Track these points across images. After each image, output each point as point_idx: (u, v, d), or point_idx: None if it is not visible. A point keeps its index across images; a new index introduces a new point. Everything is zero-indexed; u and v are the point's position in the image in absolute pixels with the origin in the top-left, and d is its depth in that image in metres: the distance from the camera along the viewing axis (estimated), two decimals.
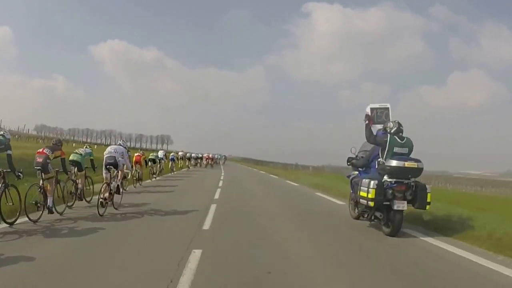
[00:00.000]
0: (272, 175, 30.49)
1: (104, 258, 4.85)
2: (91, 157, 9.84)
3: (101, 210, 7.83)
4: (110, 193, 8.26)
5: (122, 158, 8.87)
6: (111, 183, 8.46)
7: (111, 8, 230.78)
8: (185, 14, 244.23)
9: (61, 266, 4.40)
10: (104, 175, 8.52)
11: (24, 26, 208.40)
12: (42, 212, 7.13)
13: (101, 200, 7.87)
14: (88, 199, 9.53)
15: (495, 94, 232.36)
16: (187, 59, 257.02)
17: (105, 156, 8.67)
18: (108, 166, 8.54)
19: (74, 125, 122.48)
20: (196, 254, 4.98)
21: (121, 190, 9.18)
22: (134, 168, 15.13)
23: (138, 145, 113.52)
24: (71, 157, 9.12)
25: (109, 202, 8.21)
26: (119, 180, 8.86)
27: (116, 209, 8.60)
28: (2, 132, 6.69)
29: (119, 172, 8.85)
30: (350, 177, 8.29)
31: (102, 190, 8.14)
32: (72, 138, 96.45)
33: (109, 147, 9.26)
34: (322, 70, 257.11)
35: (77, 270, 4.29)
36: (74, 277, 4.06)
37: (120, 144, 9.75)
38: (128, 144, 17.06)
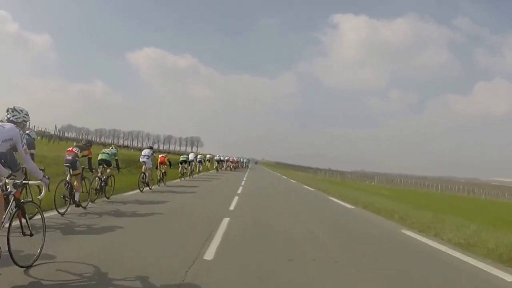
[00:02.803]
0: (333, 199, 15.72)
1: None
2: (116, 157, 10.87)
3: None
4: None
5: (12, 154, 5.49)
6: None
7: (146, 16, 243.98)
8: (218, 22, 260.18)
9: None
10: None
11: (63, 33, 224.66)
12: (69, 206, 7.82)
13: None
14: (107, 195, 10.43)
15: None
16: (220, 65, 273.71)
17: None
18: None
19: (102, 125, 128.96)
20: None
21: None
22: (158, 168, 16.63)
23: (166, 147, 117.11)
24: (100, 156, 10.26)
25: None
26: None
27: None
28: (28, 132, 7.17)
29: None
30: None
31: None
32: (98, 139, 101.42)
33: None
34: (352, 77, 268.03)
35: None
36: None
37: (11, 120, 4.48)
38: (156, 146, 18.14)
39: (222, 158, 41.80)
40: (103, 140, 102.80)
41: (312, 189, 21.57)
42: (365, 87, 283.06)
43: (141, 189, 13.06)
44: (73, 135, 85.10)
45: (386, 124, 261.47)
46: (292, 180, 31.67)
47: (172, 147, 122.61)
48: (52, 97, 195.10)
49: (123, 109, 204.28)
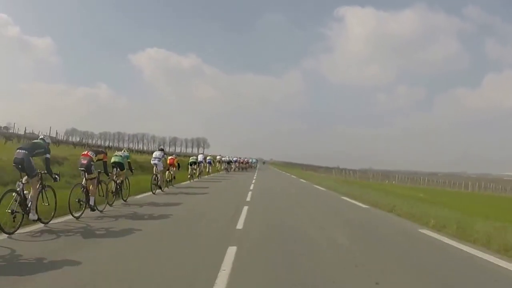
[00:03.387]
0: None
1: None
2: (128, 160, 11.09)
3: None
4: None
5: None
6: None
7: (147, 16, 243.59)
8: (221, 20, 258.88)
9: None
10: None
11: (65, 36, 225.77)
12: (84, 209, 7.85)
13: None
14: (125, 198, 10.57)
15: None
16: (225, 65, 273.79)
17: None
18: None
19: (107, 129, 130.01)
20: None
21: None
22: (168, 170, 16.61)
23: (172, 149, 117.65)
24: (113, 159, 10.33)
25: None
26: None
27: None
28: (42, 136, 7.23)
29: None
30: None
31: None
32: (103, 142, 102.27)
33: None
34: (358, 73, 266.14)
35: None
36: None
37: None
38: (162, 147, 18.23)
39: (230, 159, 42.03)
40: (107, 143, 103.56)
41: (364, 205, 12.29)
42: (372, 83, 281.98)
43: (153, 191, 13.15)
44: (77, 139, 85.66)
45: (393, 120, 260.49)
46: (319, 187, 21.26)
47: (178, 149, 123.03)
48: (56, 102, 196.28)
49: (127, 111, 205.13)
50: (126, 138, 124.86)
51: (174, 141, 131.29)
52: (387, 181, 52.24)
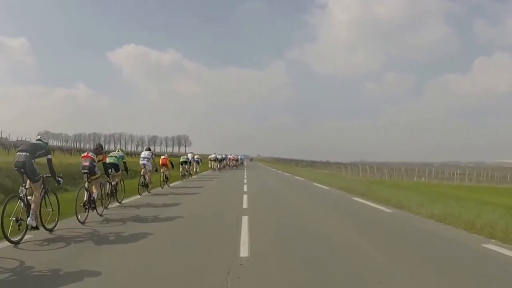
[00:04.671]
0: None
1: None
2: (124, 160, 10.97)
3: None
4: None
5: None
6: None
7: (123, 11, 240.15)
8: (199, 11, 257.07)
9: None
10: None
11: (39, 35, 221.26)
12: (88, 213, 7.76)
13: None
14: (120, 200, 10.56)
15: None
16: (206, 59, 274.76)
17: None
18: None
19: (88, 130, 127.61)
20: None
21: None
22: (161, 170, 16.77)
23: (152, 149, 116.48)
24: (108, 160, 10.18)
25: None
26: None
27: None
28: (39, 136, 6.75)
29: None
30: None
31: None
32: (78, 144, 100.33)
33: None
34: (344, 61, 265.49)
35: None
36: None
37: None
38: (140, 148, 17.95)
39: (218, 157, 41.90)
40: (82, 145, 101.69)
41: None
42: (359, 71, 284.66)
43: (140, 193, 12.87)
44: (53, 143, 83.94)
45: (383, 110, 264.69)
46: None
47: (157, 148, 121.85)
48: (34, 104, 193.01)
49: (108, 111, 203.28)
50: (103, 139, 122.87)
51: (153, 140, 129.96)
52: (415, 178, 44.18)
